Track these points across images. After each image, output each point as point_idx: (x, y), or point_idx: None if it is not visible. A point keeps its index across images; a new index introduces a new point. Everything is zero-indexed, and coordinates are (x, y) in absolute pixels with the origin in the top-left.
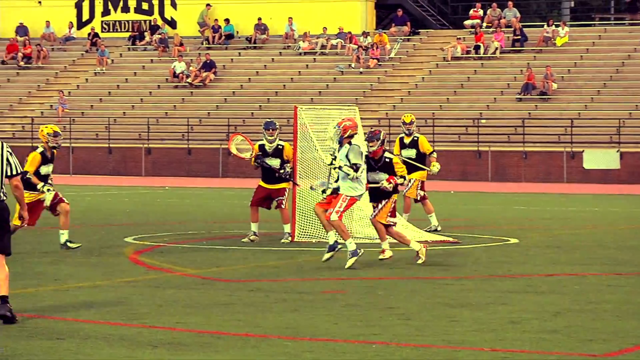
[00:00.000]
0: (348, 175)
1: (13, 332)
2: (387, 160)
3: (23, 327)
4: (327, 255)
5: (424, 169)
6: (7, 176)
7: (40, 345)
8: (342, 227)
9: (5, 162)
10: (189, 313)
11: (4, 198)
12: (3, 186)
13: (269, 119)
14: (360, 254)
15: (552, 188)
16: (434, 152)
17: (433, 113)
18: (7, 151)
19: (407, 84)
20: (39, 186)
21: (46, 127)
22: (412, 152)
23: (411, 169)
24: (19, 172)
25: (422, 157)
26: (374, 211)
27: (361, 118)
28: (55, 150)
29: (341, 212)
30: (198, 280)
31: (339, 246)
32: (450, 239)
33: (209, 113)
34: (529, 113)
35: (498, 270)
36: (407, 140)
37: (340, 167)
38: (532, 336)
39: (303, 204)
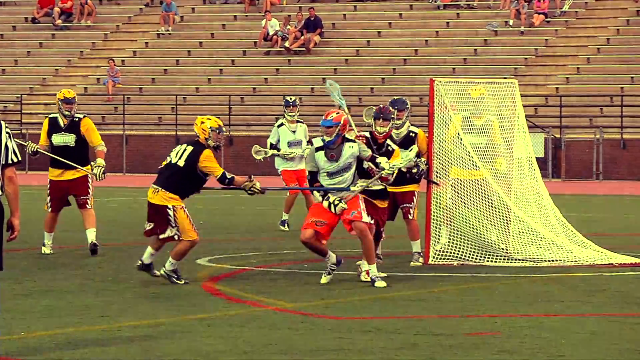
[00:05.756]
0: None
1: None
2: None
3: None
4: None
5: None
6: (2, 165)
7: None
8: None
9: (3, 147)
10: None
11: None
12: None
13: (396, 96)
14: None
15: None
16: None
17: (622, 88)
18: (7, 132)
19: (585, 47)
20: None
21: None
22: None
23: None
24: (15, 160)
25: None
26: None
27: (522, 95)
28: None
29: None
30: (296, 317)
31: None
32: None
33: (312, 89)
34: None
35: None
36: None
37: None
38: None
39: (441, 213)
